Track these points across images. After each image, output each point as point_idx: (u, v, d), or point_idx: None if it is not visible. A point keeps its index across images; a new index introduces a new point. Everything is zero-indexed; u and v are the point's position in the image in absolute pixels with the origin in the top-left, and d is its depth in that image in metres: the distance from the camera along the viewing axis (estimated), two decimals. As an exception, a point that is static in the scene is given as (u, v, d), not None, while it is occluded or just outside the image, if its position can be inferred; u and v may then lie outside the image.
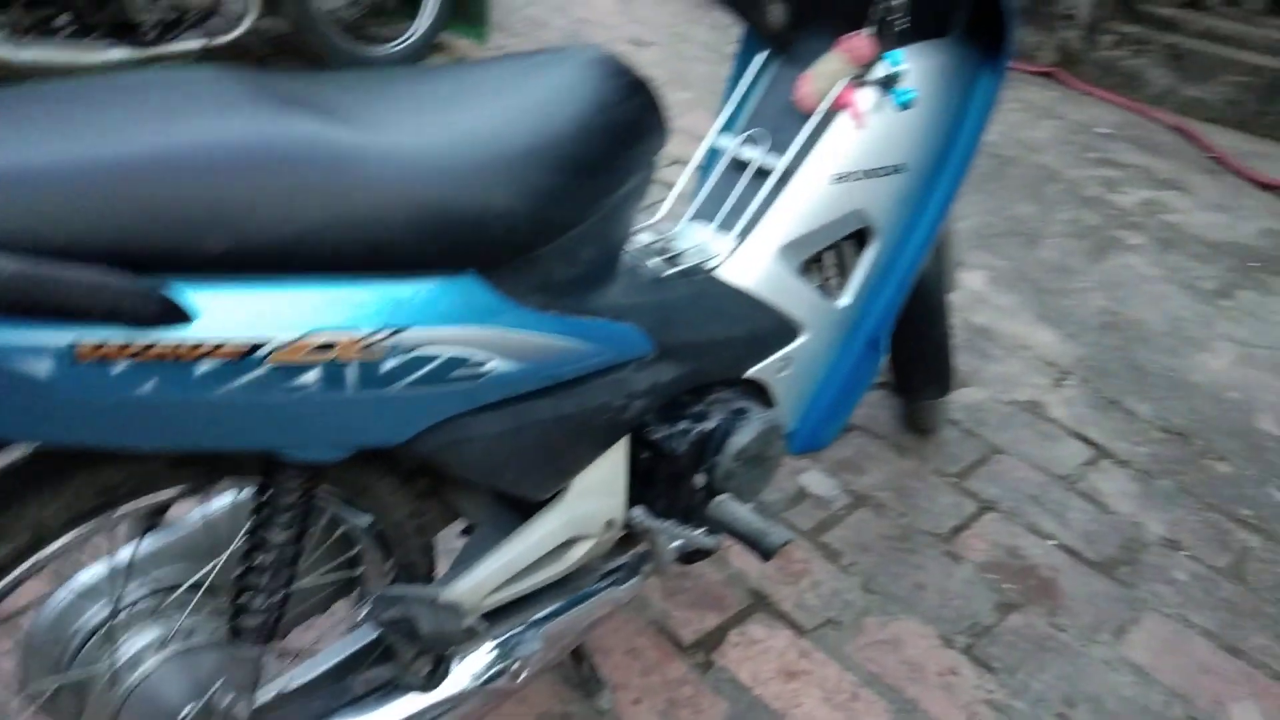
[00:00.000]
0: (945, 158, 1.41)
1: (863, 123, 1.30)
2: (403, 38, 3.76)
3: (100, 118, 0.73)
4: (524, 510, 1.17)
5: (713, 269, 1.28)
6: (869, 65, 1.30)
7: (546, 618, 1.17)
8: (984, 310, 2.35)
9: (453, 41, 3.96)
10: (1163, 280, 2.48)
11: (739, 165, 1.36)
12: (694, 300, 1.24)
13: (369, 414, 0.84)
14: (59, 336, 0.66)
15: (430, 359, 0.85)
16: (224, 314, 0.72)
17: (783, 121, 1.35)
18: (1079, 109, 3.44)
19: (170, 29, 3.08)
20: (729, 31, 4.09)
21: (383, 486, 1.05)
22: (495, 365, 0.92)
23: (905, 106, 1.29)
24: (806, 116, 1.32)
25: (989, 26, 1.36)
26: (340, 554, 1.14)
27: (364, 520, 1.08)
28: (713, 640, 1.52)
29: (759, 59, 1.41)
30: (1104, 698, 1.45)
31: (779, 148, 1.32)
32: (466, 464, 0.99)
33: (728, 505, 1.26)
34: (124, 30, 3.02)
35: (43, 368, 0.66)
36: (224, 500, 1.05)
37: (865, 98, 1.31)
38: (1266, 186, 2.92)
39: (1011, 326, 2.29)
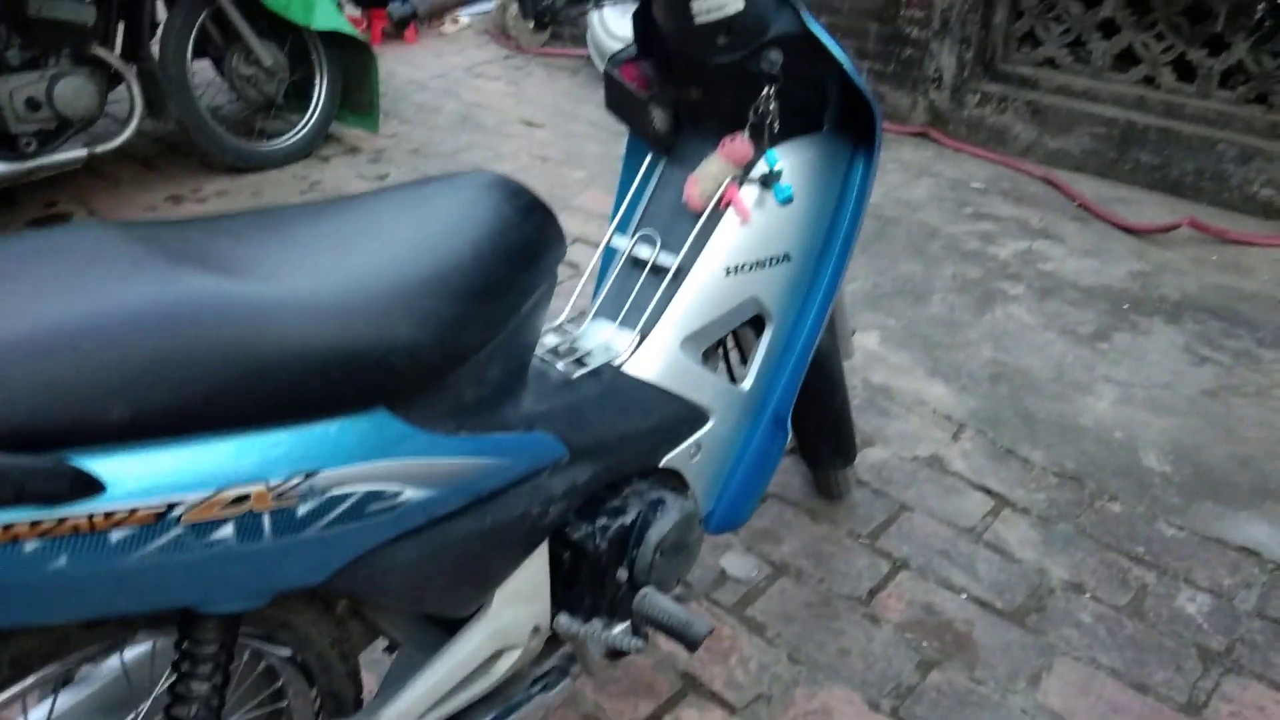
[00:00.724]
0: (829, 241, 1.49)
1: (748, 218, 1.37)
2: (293, 132, 3.76)
3: None
4: (448, 625, 1.17)
5: (619, 365, 1.32)
6: (749, 165, 1.36)
7: (477, 734, 1.17)
8: (880, 369, 2.44)
9: (344, 132, 3.96)
10: (1044, 328, 2.61)
11: (636, 263, 1.41)
12: (604, 398, 1.27)
13: (286, 559, 0.84)
14: None
15: (345, 498, 0.86)
16: (134, 479, 0.72)
17: (674, 220, 1.41)
18: (953, 166, 3.63)
19: (51, 139, 3.02)
20: (618, 107, 4.20)
21: (302, 620, 1.04)
22: (411, 495, 0.93)
23: (786, 202, 1.36)
24: (696, 214, 1.38)
25: (858, 118, 1.45)
26: (265, 688, 1.13)
27: (284, 653, 1.07)
28: (647, 728, 1.53)
29: (647, 160, 1.47)
30: (1025, 746, 1.51)
31: (672, 245, 1.38)
32: (388, 592, 1.00)
33: (651, 599, 1.28)
34: (1, 142, 2.95)
35: None
36: (139, 649, 1.03)
37: (749, 194, 1.37)
38: (1130, 230, 3.12)
39: (908, 383, 2.39)
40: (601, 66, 1.45)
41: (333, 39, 3.66)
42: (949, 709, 1.56)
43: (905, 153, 3.74)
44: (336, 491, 0.85)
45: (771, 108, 1.31)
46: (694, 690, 1.59)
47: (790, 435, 1.52)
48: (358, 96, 3.89)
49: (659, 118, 1.43)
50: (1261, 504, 2.00)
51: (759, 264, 1.40)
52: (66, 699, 0.99)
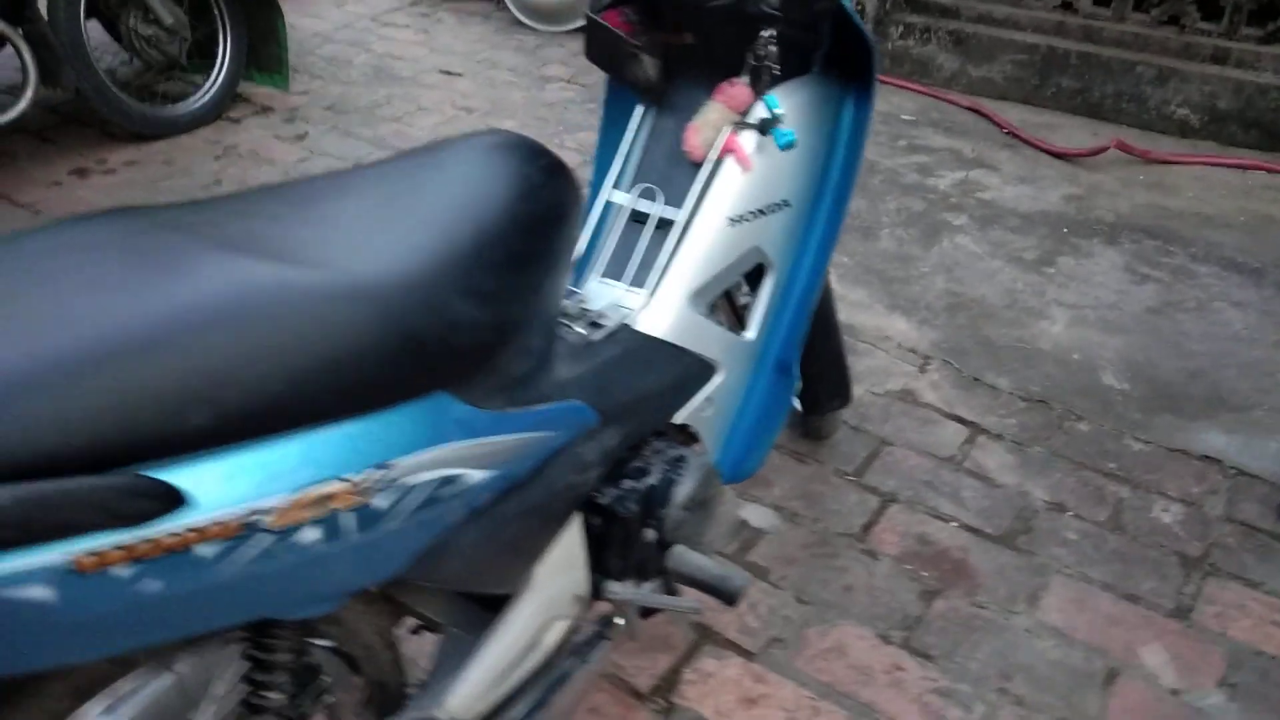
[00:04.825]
0: (823, 184, 1.48)
1: (750, 166, 1.34)
2: (199, 94, 3.55)
3: (25, 301, 0.66)
4: (487, 603, 1.14)
5: (632, 324, 1.29)
6: (747, 111, 1.33)
7: (536, 709, 1.15)
8: (842, 307, 2.45)
9: (253, 91, 3.77)
10: (991, 256, 2.67)
11: (638, 219, 1.37)
12: (622, 359, 1.24)
13: (365, 556, 0.80)
14: (55, 554, 0.60)
15: (416, 487, 0.82)
16: (216, 489, 0.67)
17: (672, 172, 1.37)
18: (882, 99, 3.64)
19: (-62, 114, 2.79)
20: (537, 54, 4.09)
21: (348, 611, 1.00)
22: (473, 477, 0.89)
23: (787, 147, 1.34)
24: (694, 165, 1.35)
25: (849, 58, 1.43)
26: (308, 683, 1.08)
27: (327, 645, 1.03)
28: (668, 682, 1.53)
29: (639, 112, 1.42)
30: (1034, 665, 1.56)
31: (674, 199, 1.34)
32: (443, 577, 0.96)
33: (685, 556, 1.27)
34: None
35: (42, 592, 0.60)
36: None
37: (748, 141, 1.34)
38: (1059, 155, 3.20)
39: (870, 319, 2.41)
40: (518, 12, 1.39)
41: (235, -8, 3.46)
42: (957, 635, 1.61)
43: (833, 88, 3.74)
44: (408, 481, 0.81)
45: (771, 50, 1.28)
46: (709, 640, 1.60)
47: (798, 385, 1.52)
48: (264, 53, 3.69)
49: (649, 66, 1.38)
50: (1216, 414, 2.10)
51: (760, 212, 1.38)
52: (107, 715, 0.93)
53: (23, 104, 2.95)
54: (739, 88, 1.31)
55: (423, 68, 4.06)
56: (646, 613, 1.38)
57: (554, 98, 3.75)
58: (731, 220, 1.35)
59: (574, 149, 3.29)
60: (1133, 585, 1.70)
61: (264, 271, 0.73)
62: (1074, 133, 3.35)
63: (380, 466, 0.78)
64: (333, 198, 0.90)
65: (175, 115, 3.50)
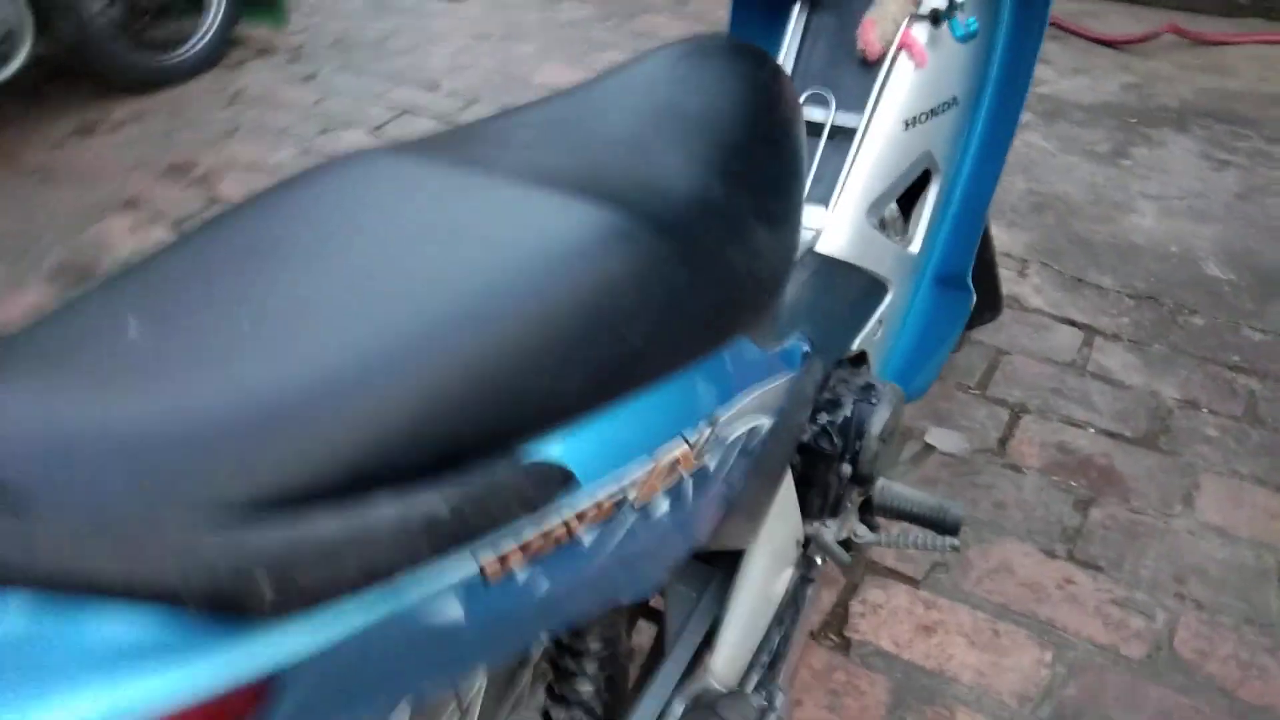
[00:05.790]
0: (987, 81, 1.38)
1: (924, 61, 1.24)
2: (193, 39, 3.34)
3: (353, 260, 0.56)
4: (705, 559, 1.07)
5: (815, 246, 1.20)
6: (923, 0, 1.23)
7: (775, 662, 1.08)
8: (921, 215, 2.37)
9: (248, 33, 3.55)
10: (1063, 151, 2.58)
11: (810, 129, 1.26)
12: (815, 284, 1.16)
13: (691, 524, 0.72)
14: (465, 563, 0.51)
15: (732, 440, 0.74)
16: (590, 464, 0.58)
17: (838, 74, 1.26)
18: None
19: (-68, 75, 2.59)
20: (539, -28, 3.88)
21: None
22: (764, 425, 0.81)
23: (968, 38, 1.24)
24: (864, 66, 1.24)
25: None
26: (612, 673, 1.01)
27: None
28: (838, 617, 1.48)
29: (794, 11, 1.30)
30: (1205, 567, 1.52)
31: (849, 105, 1.24)
32: (718, 537, 0.88)
33: (894, 489, 1.20)
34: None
35: (454, 610, 0.51)
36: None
37: (921, 34, 1.24)
38: (1108, 43, 3.09)
39: (953, 226, 2.33)
40: None
41: (224, -76, 3.23)
42: (1121, 543, 1.56)
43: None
44: (729, 434, 0.72)
45: (957, -69, 1.17)
46: (870, 571, 1.54)
47: (973, 296, 1.43)
48: (258, -10, 3.48)
49: (805, -42, 1.27)
50: (1327, 297, 2.05)
51: (932, 112, 1.28)
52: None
53: (20, 58, 2.75)
54: (917, -25, 1.20)
55: (423, -6, 3.85)
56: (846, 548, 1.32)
57: (570, 16, 3.57)
58: (906, 123, 1.25)
59: (604, 70, 3.14)
60: (1286, 478, 1.67)
61: (579, 208, 0.62)
62: (1116, 20, 3.24)
63: (708, 420, 0.69)
64: (575, 121, 0.80)
65: (173, 63, 3.29)
